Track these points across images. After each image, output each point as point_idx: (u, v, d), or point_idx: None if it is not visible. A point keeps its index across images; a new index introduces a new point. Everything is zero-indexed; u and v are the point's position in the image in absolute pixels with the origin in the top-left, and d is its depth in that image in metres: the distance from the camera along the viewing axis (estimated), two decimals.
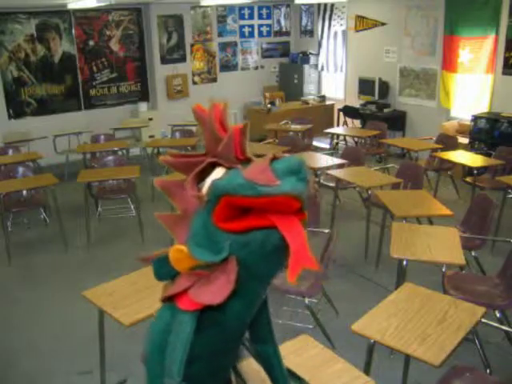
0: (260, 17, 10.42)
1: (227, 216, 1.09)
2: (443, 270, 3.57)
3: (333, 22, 9.79)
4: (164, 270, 1.23)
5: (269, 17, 10.51)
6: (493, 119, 7.02)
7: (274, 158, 1.08)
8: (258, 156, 1.14)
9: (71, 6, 7.78)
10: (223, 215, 1.10)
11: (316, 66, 10.32)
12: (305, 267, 1.05)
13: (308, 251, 1.05)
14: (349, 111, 9.31)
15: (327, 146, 8.59)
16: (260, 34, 10.48)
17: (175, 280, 1.21)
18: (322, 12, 9.93)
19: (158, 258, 1.23)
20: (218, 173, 1.13)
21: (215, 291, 1.12)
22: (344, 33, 9.60)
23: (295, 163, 1.08)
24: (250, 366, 1.62)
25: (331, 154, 7.19)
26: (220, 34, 10.02)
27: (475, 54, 7.50)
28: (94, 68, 9.04)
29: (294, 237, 1.05)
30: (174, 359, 1.17)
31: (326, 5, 9.75)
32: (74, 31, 8.73)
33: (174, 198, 1.27)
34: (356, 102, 9.35)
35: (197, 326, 1.18)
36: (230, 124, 1.20)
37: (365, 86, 9.21)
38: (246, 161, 1.14)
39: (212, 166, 1.17)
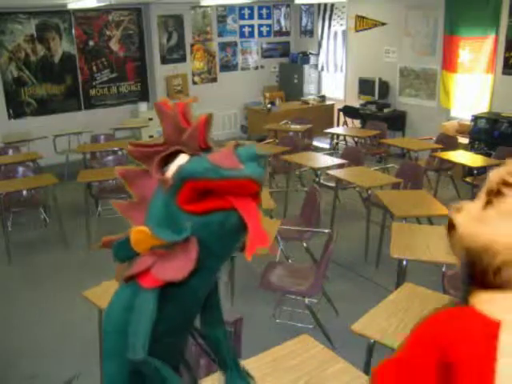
0: (260, 17, 10.42)
1: (190, 198, 1.18)
2: (443, 269, 3.57)
3: (333, 22, 9.79)
4: (124, 252, 1.29)
5: (269, 17, 10.51)
6: (493, 119, 7.02)
7: (237, 145, 1.18)
8: (221, 146, 1.25)
9: (71, 5, 7.79)
10: (187, 198, 1.18)
11: (316, 66, 10.32)
12: (260, 246, 1.13)
13: (263, 231, 1.14)
14: (349, 111, 9.31)
15: (327, 146, 8.59)
16: (260, 33, 10.48)
17: (135, 260, 1.27)
18: (322, 12, 9.93)
19: (118, 241, 1.30)
20: (182, 159, 1.22)
21: (177, 268, 1.20)
22: (344, 33, 9.60)
23: (255, 150, 1.18)
24: None
25: (331, 154, 7.20)
26: (220, 34, 10.02)
27: (475, 54, 7.50)
28: (94, 68, 9.05)
29: (251, 218, 1.15)
30: (139, 335, 1.22)
31: (326, 5, 9.75)
32: (73, 31, 8.73)
33: (132, 185, 1.36)
34: (356, 102, 9.35)
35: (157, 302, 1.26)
36: (194, 117, 1.31)
37: (365, 85, 9.22)
38: (208, 149, 1.24)
39: (174, 154, 1.25)
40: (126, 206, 1.39)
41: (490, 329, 0.95)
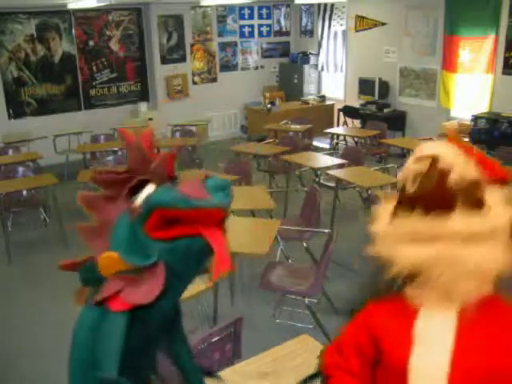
0: (260, 17, 10.42)
1: (158, 225, 1.25)
2: None
3: (333, 22, 9.79)
4: (90, 276, 1.36)
5: (269, 17, 10.51)
6: (493, 119, 7.02)
7: (205, 177, 1.27)
8: (189, 176, 1.35)
9: (71, 6, 7.79)
10: (154, 225, 1.25)
11: (316, 66, 10.32)
12: (224, 270, 1.23)
13: (228, 257, 1.23)
14: (349, 111, 9.31)
15: (327, 146, 8.59)
16: (260, 33, 10.48)
17: (104, 284, 1.32)
18: (322, 12, 9.93)
19: (85, 266, 1.37)
20: (150, 188, 1.28)
21: (146, 292, 1.26)
22: (344, 33, 9.59)
23: (223, 181, 1.27)
24: None
25: (331, 154, 7.20)
26: (220, 34, 10.02)
27: (475, 54, 7.50)
28: (94, 68, 9.04)
29: (217, 244, 1.23)
30: (110, 356, 1.27)
31: (326, 5, 9.75)
32: (73, 31, 8.73)
33: (94, 210, 1.43)
34: (356, 102, 9.35)
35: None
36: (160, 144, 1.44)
37: (365, 85, 9.22)
38: (174, 179, 1.33)
39: (141, 183, 1.32)
40: (88, 230, 1.45)
41: (409, 314, 1.19)
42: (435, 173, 1.15)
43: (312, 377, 1.40)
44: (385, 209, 1.24)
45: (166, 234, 1.26)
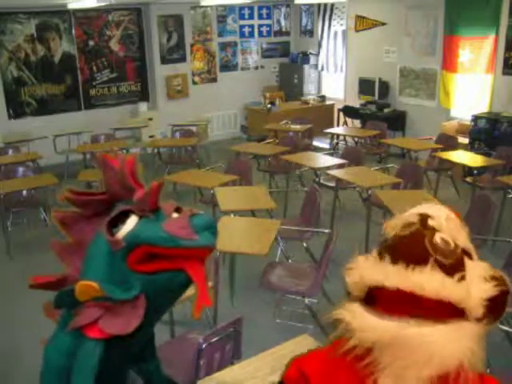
0: (260, 17, 10.42)
1: (141, 259, 1.25)
2: None
3: (333, 22, 9.79)
4: (67, 301, 1.34)
5: (269, 17, 10.51)
6: (493, 119, 7.02)
7: (192, 214, 1.27)
8: (177, 209, 1.32)
9: (71, 6, 7.79)
10: (137, 259, 1.25)
11: (316, 66, 10.32)
12: (205, 305, 1.27)
13: (208, 293, 1.27)
14: (349, 111, 9.31)
15: (327, 146, 8.59)
16: (260, 33, 10.48)
17: (81, 310, 1.31)
18: (322, 12, 9.93)
19: (62, 291, 1.34)
20: (133, 221, 1.28)
21: (124, 323, 1.26)
22: (344, 33, 9.59)
23: (210, 220, 1.28)
24: None
25: (331, 154, 7.20)
26: (220, 34, 10.02)
27: (475, 54, 7.50)
28: (94, 68, 9.05)
29: (199, 280, 1.26)
30: (85, 382, 1.28)
31: (326, 5, 9.75)
32: (73, 31, 8.73)
33: (70, 229, 1.43)
34: (356, 102, 9.35)
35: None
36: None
37: (365, 85, 9.22)
38: (156, 210, 1.31)
39: (123, 212, 1.31)
40: (63, 247, 1.45)
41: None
42: (413, 228, 1.12)
43: None
44: (362, 259, 1.22)
45: (148, 267, 1.26)
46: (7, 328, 4.16)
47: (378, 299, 1.15)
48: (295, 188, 6.88)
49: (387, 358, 1.08)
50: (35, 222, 6.25)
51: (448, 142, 6.97)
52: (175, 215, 1.31)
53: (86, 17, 8.78)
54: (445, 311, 1.08)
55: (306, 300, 3.78)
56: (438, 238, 1.10)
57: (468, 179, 6.32)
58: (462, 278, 1.09)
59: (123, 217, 1.29)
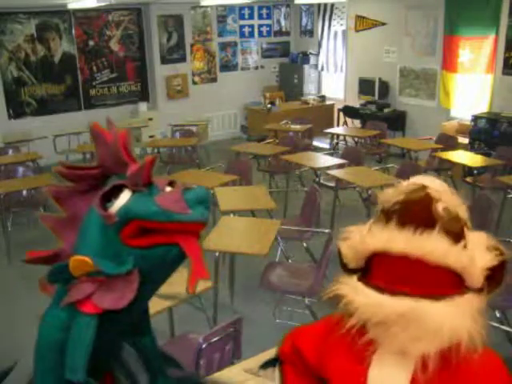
0: (260, 17, 10.42)
1: (134, 234, 1.25)
2: None
3: (333, 22, 9.79)
4: (61, 276, 1.34)
5: (269, 17, 10.51)
6: (493, 119, 7.03)
7: (186, 188, 1.26)
8: (170, 183, 1.32)
9: (71, 5, 7.79)
10: (131, 233, 1.25)
11: (316, 66, 10.32)
12: (201, 278, 1.26)
13: (204, 266, 1.26)
14: (349, 111, 9.31)
15: (327, 146, 8.59)
16: (260, 33, 10.48)
17: (75, 285, 1.31)
18: (322, 12, 9.93)
19: (56, 265, 1.34)
20: (126, 195, 1.27)
21: (118, 298, 1.26)
22: (344, 33, 9.59)
23: (203, 194, 1.26)
24: None
25: (331, 154, 7.20)
26: (220, 34, 10.01)
27: (475, 54, 7.50)
28: (94, 68, 9.05)
29: (193, 253, 1.25)
30: (79, 357, 1.28)
31: (326, 5, 9.75)
32: (73, 31, 8.73)
33: (64, 204, 1.42)
34: (356, 102, 9.35)
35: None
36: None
37: (365, 85, 9.22)
38: (150, 184, 1.30)
39: (116, 186, 1.30)
40: (56, 221, 1.44)
41: (363, 359, 1.14)
42: (422, 193, 1.12)
43: (273, 361, 1.42)
44: (358, 228, 1.20)
45: (141, 241, 1.26)
46: (7, 328, 4.16)
47: (377, 269, 1.13)
48: (295, 188, 6.88)
49: (389, 335, 1.07)
50: (35, 222, 6.25)
51: (448, 141, 6.97)
52: (168, 189, 1.31)
53: (86, 17, 8.78)
54: (446, 282, 1.08)
55: (306, 300, 3.78)
56: (439, 206, 1.10)
57: (468, 179, 6.32)
58: (466, 246, 1.10)
59: (116, 191, 1.28)
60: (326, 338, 1.23)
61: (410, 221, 1.09)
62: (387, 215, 1.13)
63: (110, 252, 1.29)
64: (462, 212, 1.14)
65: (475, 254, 1.09)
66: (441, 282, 1.08)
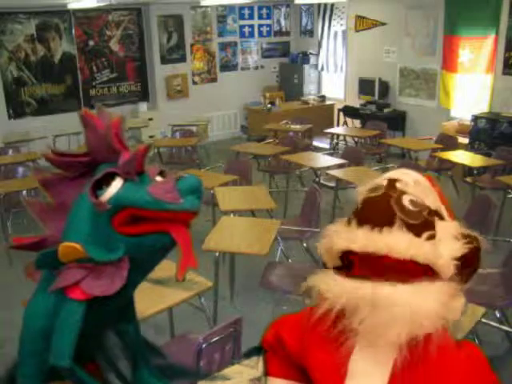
0: (260, 17, 10.42)
1: (125, 222, 1.26)
2: None
3: (333, 22, 9.79)
4: (48, 262, 1.34)
5: (269, 17, 10.51)
6: (493, 119, 7.02)
7: (178, 178, 1.27)
8: (161, 172, 1.33)
9: (71, 6, 7.79)
10: (122, 221, 1.26)
11: (316, 66, 10.32)
12: (190, 267, 1.27)
13: (193, 254, 1.28)
14: (349, 111, 9.31)
15: (327, 146, 8.59)
16: (260, 33, 10.48)
17: (63, 271, 1.31)
18: (322, 12, 9.92)
19: (44, 252, 1.35)
20: (118, 183, 1.27)
21: (107, 284, 1.27)
22: (344, 33, 9.59)
23: (195, 183, 1.27)
24: None
25: (331, 154, 7.20)
26: (220, 34, 10.01)
27: (475, 54, 7.50)
28: (94, 68, 9.05)
29: (183, 242, 1.27)
30: (65, 343, 1.29)
31: (326, 5, 9.75)
32: (73, 31, 8.73)
33: (52, 191, 1.42)
34: (356, 102, 9.35)
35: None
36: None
37: (365, 85, 9.22)
38: (141, 173, 1.31)
39: (108, 174, 1.30)
40: (42, 207, 1.45)
41: (342, 347, 1.14)
42: (380, 191, 1.12)
43: (258, 349, 1.42)
44: (334, 227, 1.22)
45: (132, 229, 1.27)
46: (7, 328, 4.16)
47: (353, 265, 1.14)
48: (295, 188, 6.88)
49: (361, 321, 1.07)
50: (35, 223, 6.23)
51: (448, 142, 6.98)
52: (159, 178, 1.32)
53: (86, 17, 8.77)
54: (417, 272, 1.07)
55: (307, 300, 3.78)
56: (405, 199, 1.10)
57: (468, 179, 6.31)
58: (431, 238, 1.09)
59: (108, 179, 1.28)
60: (307, 328, 1.24)
61: (368, 220, 1.11)
62: (350, 216, 1.16)
63: (99, 239, 1.29)
64: (432, 201, 1.14)
65: (442, 245, 1.09)
66: (410, 272, 1.07)
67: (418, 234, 1.08)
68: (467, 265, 1.10)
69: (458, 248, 1.09)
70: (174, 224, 1.26)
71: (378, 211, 1.11)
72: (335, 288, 1.11)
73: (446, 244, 1.09)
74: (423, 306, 1.04)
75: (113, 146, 1.30)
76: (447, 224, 1.13)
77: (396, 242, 1.07)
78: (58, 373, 1.34)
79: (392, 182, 1.14)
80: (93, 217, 1.30)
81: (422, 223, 1.09)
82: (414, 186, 1.13)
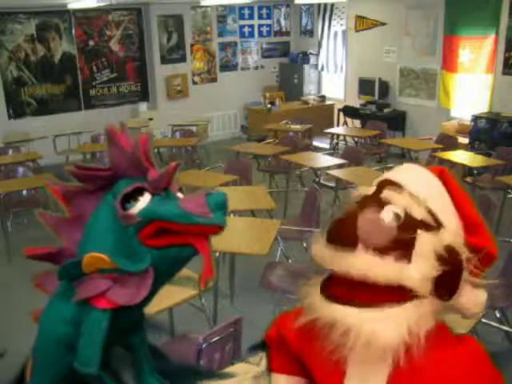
0: (260, 17, 10.42)
1: (152, 234, 1.31)
2: None
3: (333, 22, 9.79)
4: (72, 272, 1.37)
5: (269, 17, 10.51)
6: (493, 119, 7.02)
7: (208, 194, 1.32)
8: (180, 189, 1.39)
9: (71, 6, 7.79)
10: (149, 234, 1.31)
11: (316, 66, 10.32)
12: (209, 277, 1.34)
13: (212, 266, 1.35)
14: (349, 111, 9.31)
15: (327, 146, 8.59)
16: (260, 33, 10.48)
17: (86, 281, 1.35)
18: (322, 12, 9.93)
19: (68, 262, 1.37)
20: (147, 198, 1.32)
21: (132, 294, 1.31)
22: (344, 33, 9.59)
23: (223, 200, 1.31)
24: None
25: (331, 154, 7.20)
26: (220, 34, 10.01)
27: (475, 54, 7.50)
28: (94, 68, 9.04)
29: (205, 255, 1.33)
30: (93, 350, 1.32)
31: (326, 5, 9.75)
32: (73, 31, 8.73)
33: (69, 203, 1.46)
34: (356, 102, 9.35)
35: None
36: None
37: (365, 85, 9.22)
38: (167, 188, 1.36)
39: (136, 189, 1.34)
40: (57, 220, 1.48)
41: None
42: (351, 210, 1.08)
43: (261, 345, 1.44)
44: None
45: (158, 242, 1.31)
46: (7, 328, 4.16)
47: (331, 281, 1.15)
48: (295, 188, 6.88)
49: (337, 341, 1.06)
50: (35, 222, 6.23)
51: (448, 142, 6.98)
52: (179, 195, 1.38)
53: (85, 17, 8.77)
54: (385, 291, 1.03)
55: None
56: (386, 212, 1.05)
57: (468, 179, 6.32)
58: (401, 257, 1.03)
59: (135, 193, 1.33)
60: (306, 330, 1.22)
61: (333, 239, 1.09)
62: (326, 230, 1.14)
63: (123, 251, 1.33)
64: (420, 211, 1.05)
65: (416, 263, 1.03)
66: (379, 291, 1.03)
67: (383, 254, 1.03)
68: (443, 284, 1.03)
69: (432, 268, 1.02)
70: (198, 237, 1.32)
71: (342, 233, 1.08)
72: (312, 305, 1.13)
73: (420, 262, 1.03)
74: (395, 330, 1.01)
75: (141, 163, 1.35)
76: (432, 237, 1.05)
77: (354, 263, 1.04)
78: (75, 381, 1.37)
79: (380, 190, 1.08)
80: (116, 229, 1.34)
81: (390, 242, 1.03)
82: (406, 192, 1.07)
